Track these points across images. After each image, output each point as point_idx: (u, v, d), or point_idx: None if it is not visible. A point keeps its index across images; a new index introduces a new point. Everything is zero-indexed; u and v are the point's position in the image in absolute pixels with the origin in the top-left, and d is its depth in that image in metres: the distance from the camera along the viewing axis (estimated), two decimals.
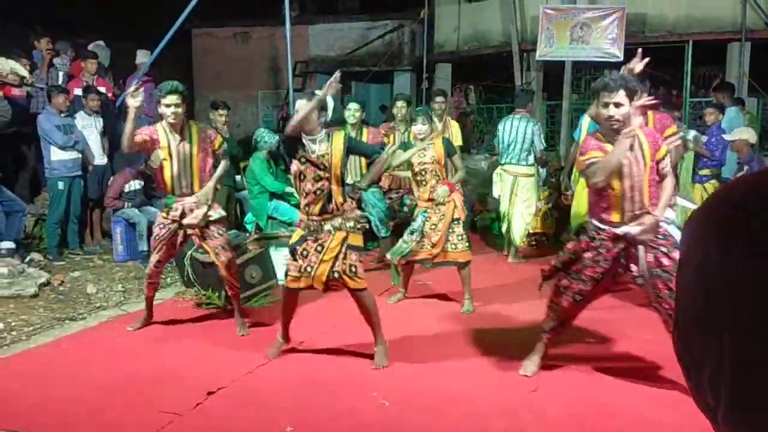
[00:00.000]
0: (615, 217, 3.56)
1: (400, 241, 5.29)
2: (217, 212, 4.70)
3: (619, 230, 3.53)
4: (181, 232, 4.67)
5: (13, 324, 4.94)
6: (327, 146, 3.96)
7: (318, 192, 3.96)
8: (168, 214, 4.61)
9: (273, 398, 3.67)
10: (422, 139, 5.17)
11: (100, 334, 4.83)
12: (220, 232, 4.71)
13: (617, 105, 3.39)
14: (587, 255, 3.64)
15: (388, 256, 5.34)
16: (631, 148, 3.46)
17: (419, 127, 5.15)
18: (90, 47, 8.99)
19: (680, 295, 0.62)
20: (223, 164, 4.78)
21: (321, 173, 3.95)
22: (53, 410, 3.48)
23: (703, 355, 0.56)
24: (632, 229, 3.50)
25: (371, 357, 4.14)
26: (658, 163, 3.54)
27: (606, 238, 3.58)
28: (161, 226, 4.66)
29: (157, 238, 4.67)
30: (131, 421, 3.37)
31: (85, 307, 5.50)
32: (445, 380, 3.93)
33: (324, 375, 4.00)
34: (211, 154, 4.66)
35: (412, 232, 5.21)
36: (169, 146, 4.48)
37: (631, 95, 3.40)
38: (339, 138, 4.02)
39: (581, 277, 3.65)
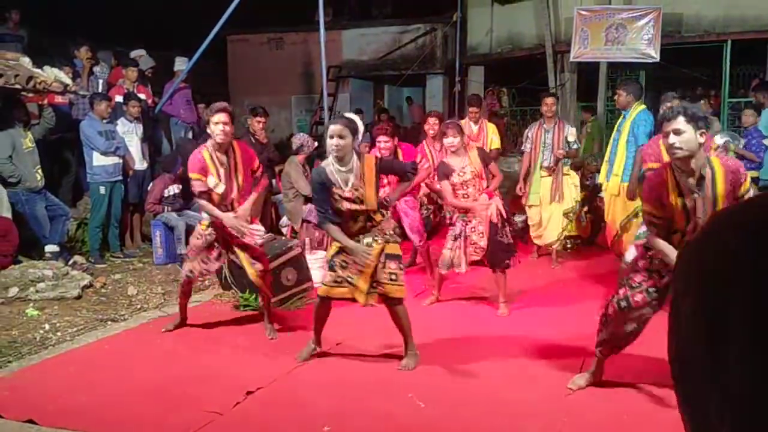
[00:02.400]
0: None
1: (444, 251, 5.24)
2: (256, 226, 4.81)
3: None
4: (218, 245, 4.76)
5: (58, 325, 5.09)
6: (359, 179, 3.95)
7: (355, 216, 4.01)
8: (206, 227, 4.72)
9: (310, 399, 3.72)
10: (455, 152, 5.18)
11: (141, 335, 4.94)
12: (257, 242, 4.80)
13: (677, 132, 3.21)
14: (642, 263, 3.53)
15: (442, 270, 5.29)
16: (699, 186, 3.26)
17: (450, 140, 5.13)
18: (132, 55, 9.22)
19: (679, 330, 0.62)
20: (261, 184, 4.93)
21: (357, 207, 3.97)
22: (96, 409, 3.58)
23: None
24: None
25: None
26: (737, 199, 3.24)
27: (660, 263, 3.43)
28: (198, 236, 4.76)
29: (193, 248, 4.78)
30: (172, 420, 3.44)
31: (126, 308, 5.63)
32: (480, 383, 3.93)
33: (360, 376, 4.04)
34: (251, 174, 4.77)
35: (455, 239, 5.20)
36: (217, 171, 4.59)
37: (693, 121, 3.20)
38: (370, 165, 3.99)
39: (631, 284, 3.52)
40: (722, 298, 0.55)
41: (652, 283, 3.46)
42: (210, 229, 4.68)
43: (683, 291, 0.62)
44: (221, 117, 4.50)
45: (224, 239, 4.72)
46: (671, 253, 3.26)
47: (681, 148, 3.21)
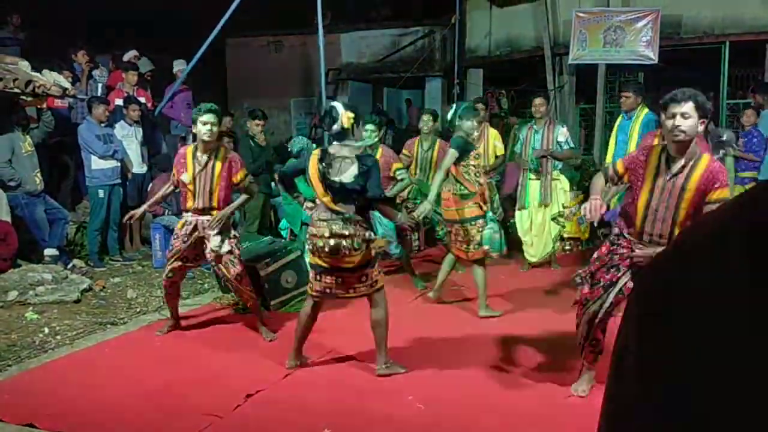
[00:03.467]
0: (634, 233, 3.43)
1: (488, 232, 5.17)
2: (228, 232, 4.81)
3: (634, 253, 3.40)
4: (196, 246, 4.76)
5: (57, 328, 5.08)
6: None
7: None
8: (182, 227, 4.75)
9: (310, 401, 3.71)
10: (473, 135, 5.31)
11: (141, 338, 4.94)
12: (232, 247, 4.80)
13: (684, 116, 3.22)
14: (603, 259, 3.54)
15: (493, 254, 5.26)
16: (676, 173, 3.30)
17: (470, 124, 5.22)
18: (125, 58, 9.23)
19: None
20: (242, 198, 4.94)
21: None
22: (96, 412, 3.58)
23: None
24: (638, 252, 3.38)
25: (404, 362, 4.18)
26: (706, 202, 3.26)
27: (624, 245, 3.47)
28: (175, 236, 4.79)
29: (171, 249, 4.79)
30: (172, 424, 3.44)
31: (126, 311, 5.62)
32: (480, 384, 3.93)
33: (359, 378, 4.04)
34: (230, 183, 4.77)
35: (494, 221, 5.25)
36: (194, 170, 4.65)
37: (700, 109, 3.23)
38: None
39: (595, 281, 3.54)
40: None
41: (600, 277, 3.51)
42: (185, 228, 4.70)
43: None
44: (209, 117, 4.56)
45: (199, 241, 4.74)
46: (597, 186, 3.51)
47: (684, 132, 3.24)
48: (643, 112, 5.81)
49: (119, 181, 7.41)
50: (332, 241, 3.86)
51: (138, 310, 5.69)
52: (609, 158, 6.13)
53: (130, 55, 9.32)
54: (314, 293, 4.11)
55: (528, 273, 6.89)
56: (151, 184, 7.57)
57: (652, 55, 9.32)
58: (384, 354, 4.07)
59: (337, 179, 3.93)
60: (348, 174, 3.93)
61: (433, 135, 6.86)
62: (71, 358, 4.49)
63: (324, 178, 3.96)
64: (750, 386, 0.47)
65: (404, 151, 6.84)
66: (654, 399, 0.54)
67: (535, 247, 6.86)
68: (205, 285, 6.37)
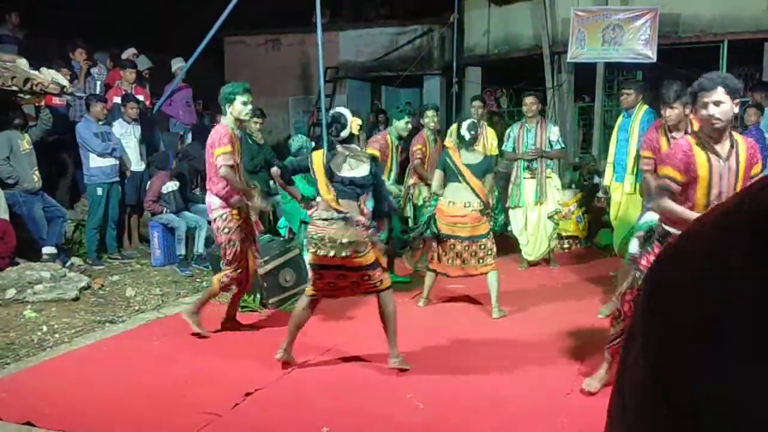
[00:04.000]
0: None
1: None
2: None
3: None
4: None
5: (55, 327, 5.08)
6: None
7: None
8: (238, 216, 4.74)
9: (309, 399, 3.71)
10: (472, 144, 5.35)
11: (139, 336, 4.93)
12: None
13: (717, 103, 3.22)
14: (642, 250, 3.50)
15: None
16: (727, 156, 3.28)
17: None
18: (124, 56, 9.22)
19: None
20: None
21: None
22: (95, 411, 3.57)
23: None
24: None
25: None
26: (750, 178, 3.29)
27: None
28: (228, 229, 4.73)
29: (233, 251, 4.75)
30: (171, 422, 3.44)
31: (125, 310, 5.62)
32: (479, 383, 3.93)
33: (358, 377, 4.04)
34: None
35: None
36: (233, 148, 4.64)
37: (731, 92, 3.23)
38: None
39: (640, 268, 3.47)
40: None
41: None
42: (238, 217, 4.70)
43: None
44: (249, 97, 4.68)
45: (249, 228, 4.78)
46: (688, 212, 3.25)
47: (720, 119, 3.23)
48: (642, 110, 5.81)
49: (118, 179, 7.40)
50: (333, 250, 3.88)
51: (136, 308, 5.68)
52: (610, 157, 6.13)
53: (128, 53, 9.31)
54: (313, 292, 4.11)
55: (527, 271, 6.90)
56: (149, 182, 7.56)
57: (650, 54, 9.32)
58: (395, 348, 4.07)
59: (347, 174, 3.99)
60: (361, 170, 4.02)
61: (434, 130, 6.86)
62: (70, 357, 4.48)
63: (330, 174, 4.00)
64: (754, 373, 0.47)
65: (418, 146, 6.67)
66: (658, 385, 0.55)
67: (531, 246, 6.87)
68: (204, 283, 6.36)
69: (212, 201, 4.74)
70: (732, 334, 0.48)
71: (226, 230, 4.68)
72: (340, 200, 3.98)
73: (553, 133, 6.66)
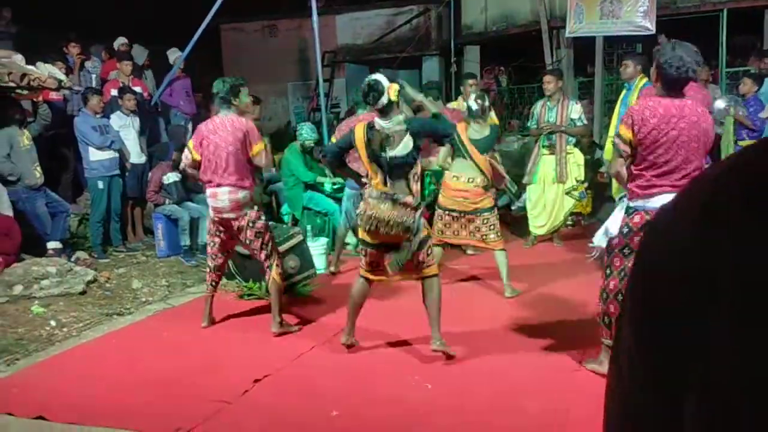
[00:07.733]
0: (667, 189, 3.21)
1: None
2: None
3: None
4: None
5: (63, 321, 5.11)
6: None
7: None
8: None
9: (318, 384, 3.74)
10: (480, 116, 5.27)
11: (147, 327, 4.96)
12: None
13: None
14: (616, 241, 3.45)
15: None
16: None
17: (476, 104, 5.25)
18: (115, 46, 9.18)
19: None
20: None
21: None
22: (106, 402, 3.60)
23: None
24: None
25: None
26: None
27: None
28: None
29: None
30: (182, 411, 3.46)
31: (132, 302, 5.65)
32: (485, 364, 3.95)
33: (365, 361, 4.06)
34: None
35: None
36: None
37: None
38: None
39: (612, 270, 3.45)
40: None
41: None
42: None
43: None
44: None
45: None
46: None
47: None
48: (641, 82, 5.76)
49: (118, 171, 7.39)
50: (382, 229, 3.79)
51: (143, 299, 5.71)
52: (611, 131, 6.09)
53: (119, 43, 9.26)
54: (364, 272, 4.07)
55: (531, 249, 6.89)
56: (150, 173, 7.56)
57: (649, 26, 9.22)
58: (437, 331, 3.98)
59: (390, 154, 3.81)
60: (401, 147, 3.82)
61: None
62: (79, 350, 4.51)
63: (373, 155, 3.85)
64: (745, 336, 0.46)
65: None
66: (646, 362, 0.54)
67: (545, 218, 6.86)
68: None
69: (242, 197, 4.52)
70: (722, 296, 0.48)
71: (263, 219, 4.67)
72: (388, 180, 3.86)
73: (575, 111, 6.59)
